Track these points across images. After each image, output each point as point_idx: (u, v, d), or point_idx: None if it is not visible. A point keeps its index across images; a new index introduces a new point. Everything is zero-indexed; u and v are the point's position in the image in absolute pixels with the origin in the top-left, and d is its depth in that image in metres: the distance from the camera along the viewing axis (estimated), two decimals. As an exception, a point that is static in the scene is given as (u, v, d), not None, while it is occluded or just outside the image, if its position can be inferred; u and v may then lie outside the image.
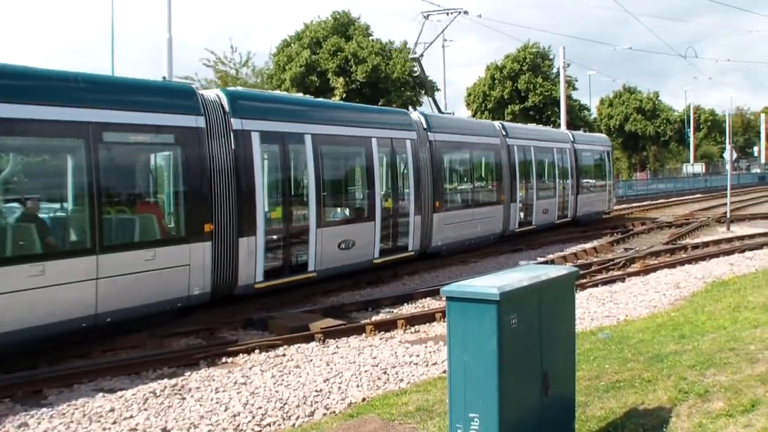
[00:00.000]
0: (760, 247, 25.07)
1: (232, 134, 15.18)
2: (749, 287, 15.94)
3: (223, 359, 12.29)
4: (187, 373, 11.43)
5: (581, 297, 16.87)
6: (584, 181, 34.99)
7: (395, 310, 16.51)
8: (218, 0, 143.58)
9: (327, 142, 17.91)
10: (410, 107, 56.19)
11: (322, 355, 12.22)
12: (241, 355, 12.51)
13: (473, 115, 68.86)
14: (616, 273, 20.67)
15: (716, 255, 23.44)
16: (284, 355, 12.45)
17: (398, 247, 20.60)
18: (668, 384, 8.08)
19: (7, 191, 12.16)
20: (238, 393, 10.11)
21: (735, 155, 44.45)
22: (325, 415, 9.29)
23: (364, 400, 9.74)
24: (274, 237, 16.33)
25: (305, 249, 17.01)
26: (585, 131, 43.29)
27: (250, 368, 11.53)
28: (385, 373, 10.98)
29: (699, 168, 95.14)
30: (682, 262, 22.02)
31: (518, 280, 5.97)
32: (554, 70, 68.48)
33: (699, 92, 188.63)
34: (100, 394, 10.28)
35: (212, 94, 15.65)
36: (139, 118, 13.44)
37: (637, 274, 20.38)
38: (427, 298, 17.25)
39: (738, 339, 9.47)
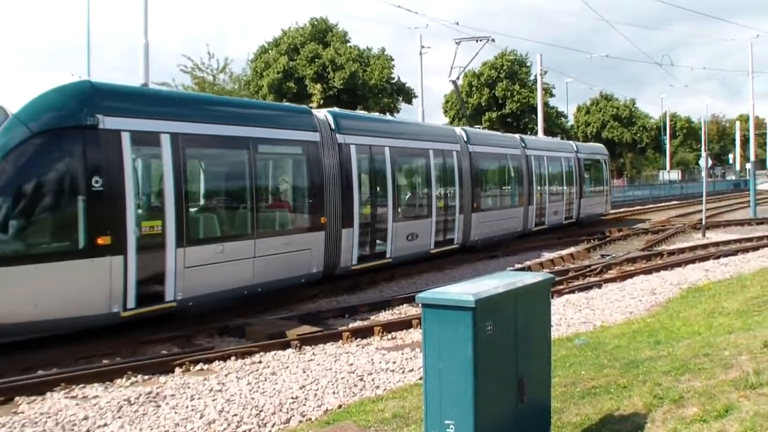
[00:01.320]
0: (734, 253, 25.26)
1: (337, 146, 19.12)
2: (724, 293, 16.03)
3: (199, 366, 12.21)
4: (163, 381, 11.35)
5: (558, 303, 16.91)
6: (586, 186, 39.21)
7: (372, 317, 16.52)
8: (195, 6, 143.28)
9: (400, 153, 22.01)
10: (388, 114, 56.37)
11: (299, 362, 12.18)
12: (217, 362, 12.43)
13: (450, 122, 69.02)
14: (592, 279, 20.78)
15: (692, 261, 23.59)
16: (260, 362, 12.39)
17: (447, 240, 24.59)
18: (643, 390, 8.10)
19: (200, 189, 16.30)
20: (213, 400, 10.04)
21: (710, 162, 45.29)
22: (301, 422, 9.24)
23: (340, 407, 9.70)
24: (364, 229, 20.16)
25: (384, 239, 21.01)
26: (562, 138, 44.20)
27: (226, 375, 11.46)
28: (361, 379, 10.95)
29: (675, 175, 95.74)
30: (658, 269, 22.15)
31: (493, 286, 5.98)
32: (531, 78, 68.83)
33: (675, 100, 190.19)
34: (74, 402, 10.20)
35: (321, 114, 19.53)
36: (279, 133, 17.49)
37: (613, 280, 20.47)
38: (404, 305, 17.26)
39: (712, 345, 9.52)
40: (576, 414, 7.75)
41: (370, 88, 54.06)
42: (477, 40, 35.54)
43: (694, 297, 16.67)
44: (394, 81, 57.23)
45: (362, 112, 29.65)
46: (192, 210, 15.18)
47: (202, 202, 16.19)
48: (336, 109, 20.99)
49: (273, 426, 9.14)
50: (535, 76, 54.52)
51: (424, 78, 45.70)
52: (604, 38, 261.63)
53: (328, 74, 53.21)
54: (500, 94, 68.81)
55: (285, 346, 13.31)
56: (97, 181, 12.78)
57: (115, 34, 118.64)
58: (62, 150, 12.72)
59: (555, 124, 70.99)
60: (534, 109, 56.51)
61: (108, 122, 13.02)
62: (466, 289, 5.81)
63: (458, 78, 34.05)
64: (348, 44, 57.05)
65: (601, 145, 50.43)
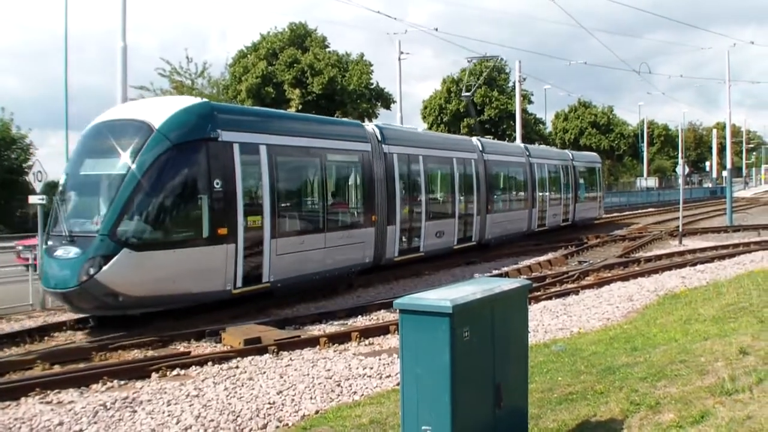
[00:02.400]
0: (711, 260, 25.40)
1: (383, 156, 22.51)
2: (700, 300, 16.12)
3: (176, 371, 12.18)
4: (139, 386, 11.29)
5: (535, 310, 16.95)
6: (581, 192, 42.67)
7: (349, 322, 16.54)
8: (174, 9, 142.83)
9: (430, 161, 25.62)
10: (366, 119, 56.32)
11: (276, 368, 12.14)
12: (193, 367, 12.40)
13: (429, 128, 69.11)
14: (570, 286, 20.82)
15: (668, 268, 23.70)
16: (237, 367, 12.35)
17: (467, 238, 28.16)
18: (620, 396, 8.12)
19: (286, 190, 19.05)
20: (190, 405, 9.99)
21: (687, 170, 45.98)
22: (278, 427, 9.22)
23: (317, 412, 9.68)
24: (404, 227, 23.50)
25: (419, 236, 24.43)
26: (539, 145, 44.75)
27: (202, 380, 11.41)
28: (338, 385, 10.92)
29: (652, 182, 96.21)
30: (635, 275, 22.25)
31: (471, 292, 5.97)
32: (510, 84, 68.97)
33: (653, 107, 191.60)
34: (49, 407, 10.12)
35: (370, 127, 23.15)
36: (343, 145, 21.17)
37: (590, 286, 20.53)
38: (382, 311, 17.28)
39: (689, 351, 9.56)
40: (553, 420, 7.76)
41: (349, 93, 53.96)
42: (487, 60, 41.61)
43: (670, 304, 16.75)
44: (372, 86, 57.17)
45: (398, 125, 32.80)
46: (281, 208, 18.22)
47: (287, 201, 19.12)
48: (381, 123, 25.30)
49: (250, 431, 9.10)
50: (514, 82, 54.65)
51: (403, 83, 45.74)
52: (582, 45, 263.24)
53: (307, 79, 53.08)
54: (479, 100, 68.90)
55: (262, 351, 13.27)
56: (217, 183, 16.11)
57: (93, 36, 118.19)
58: (193, 158, 16.00)
59: (533, 131, 71.16)
60: (512, 116, 56.63)
61: (224, 135, 16.35)
62: (444, 295, 5.81)
63: (472, 94, 40.17)
64: (327, 49, 56.91)
65: (595, 153, 54.39)
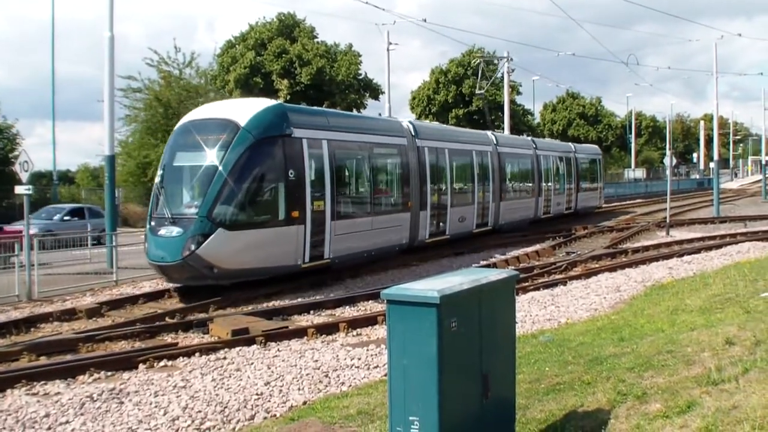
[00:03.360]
0: (698, 251, 25.51)
1: (416, 149, 25.46)
2: (687, 291, 16.16)
3: (163, 362, 12.16)
4: (126, 377, 11.27)
5: (523, 300, 16.98)
6: (582, 182, 45.97)
7: (337, 313, 16.56)
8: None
9: (454, 153, 28.66)
10: (354, 109, 56.23)
11: (263, 358, 12.13)
12: (181, 358, 12.38)
13: (417, 118, 69.05)
14: (557, 276, 20.88)
15: (656, 259, 23.80)
16: (225, 358, 12.33)
17: (484, 223, 31.40)
18: (607, 386, 8.13)
19: (341, 179, 21.88)
20: (177, 397, 9.97)
21: (675, 161, 46.42)
22: (265, 418, 9.21)
23: (305, 403, 9.68)
24: (433, 213, 26.51)
25: (445, 221, 27.62)
26: (528, 135, 45.33)
27: (190, 371, 11.39)
28: (326, 376, 10.92)
29: (640, 173, 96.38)
30: (622, 266, 22.33)
31: (458, 283, 5.95)
32: (498, 75, 68.98)
33: (641, 99, 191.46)
34: (35, 399, 10.09)
35: (405, 123, 26.25)
36: (386, 139, 24.26)
37: (578, 277, 20.58)
38: (370, 301, 17.31)
39: (675, 341, 9.58)
40: (540, 410, 7.77)
41: (338, 83, 53.94)
42: (497, 60, 46.94)
43: (657, 294, 16.80)
44: (361, 77, 57.14)
45: (427, 122, 36.17)
46: (338, 194, 20.97)
47: (343, 188, 21.93)
48: (413, 120, 29.40)
49: (237, 422, 9.10)
50: (502, 73, 54.63)
51: (391, 74, 45.64)
52: (571, 37, 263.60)
53: (295, 70, 53.00)
54: (467, 91, 68.91)
55: (250, 342, 13.26)
56: (291, 173, 18.92)
57: (80, 25, 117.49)
58: (272, 152, 18.78)
59: (521, 122, 71.26)
60: (501, 107, 56.64)
61: (296, 132, 19.27)
62: (431, 286, 5.79)
63: (484, 91, 47.38)
64: (315, 40, 56.85)
65: (596, 146, 57.26)
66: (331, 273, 20.98)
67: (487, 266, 22.22)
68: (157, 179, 19.29)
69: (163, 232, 17.81)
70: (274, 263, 18.70)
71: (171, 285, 18.96)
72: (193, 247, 17.21)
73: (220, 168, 17.76)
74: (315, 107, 27.89)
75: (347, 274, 21.64)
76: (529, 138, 41.90)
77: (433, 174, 26.44)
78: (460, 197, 29.24)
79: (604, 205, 54.18)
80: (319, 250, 19.96)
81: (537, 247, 28.62)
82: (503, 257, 25.24)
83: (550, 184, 40.13)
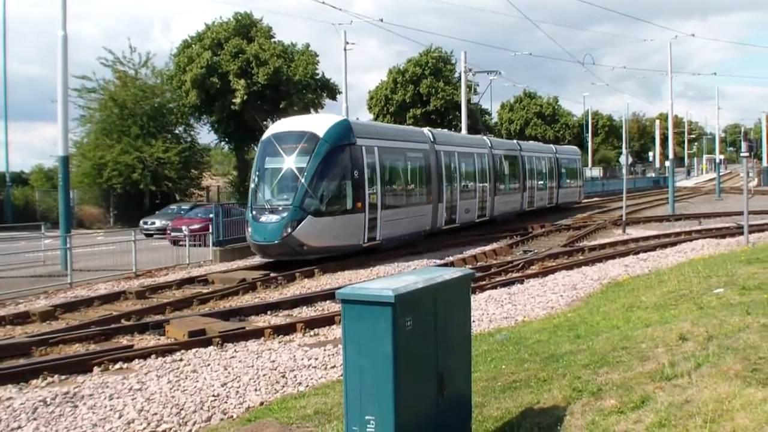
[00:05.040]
0: (653, 248, 25.78)
1: (435, 152, 30.96)
2: (642, 288, 16.30)
3: (118, 365, 12.03)
4: (80, 380, 11.14)
5: (480, 299, 17.04)
6: (563, 180, 51.75)
7: (295, 314, 16.50)
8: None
9: (461, 156, 34.05)
10: (311, 110, 56.01)
11: (220, 360, 12.05)
12: (136, 360, 12.25)
13: (375, 119, 69.07)
14: (515, 275, 20.95)
15: (612, 257, 24.00)
16: (181, 359, 12.23)
17: (483, 215, 36.59)
18: (563, 383, 8.18)
19: (387, 177, 26.89)
20: (133, 399, 9.87)
21: (631, 160, 47.27)
22: (222, 420, 9.14)
23: (262, 404, 9.64)
24: (447, 205, 31.75)
25: (455, 212, 32.87)
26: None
27: (146, 374, 11.28)
28: (283, 376, 10.88)
29: (597, 172, 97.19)
30: (579, 264, 22.48)
31: (413, 282, 5.95)
32: (456, 75, 69.17)
33: (597, 98, 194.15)
34: (-14, 404, 9.91)
35: (426, 131, 32.29)
36: (415, 145, 29.75)
37: (535, 275, 20.69)
38: (327, 301, 17.27)
39: (630, 338, 9.65)
40: (497, 408, 7.80)
41: (294, 83, 53.64)
42: (488, 73, 51.47)
43: (613, 292, 16.94)
44: (318, 77, 56.87)
45: (443, 129, 43.13)
46: (385, 189, 26.25)
47: (388, 184, 26.94)
48: (434, 129, 34.65)
49: (194, 424, 9.02)
50: (460, 73, 54.78)
51: (349, 74, 45.58)
52: (528, 37, 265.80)
53: (252, 70, 52.63)
54: (425, 91, 69.01)
55: (206, 343, 13.17)
56: (355, 173, 24.21)
57: (32, 24, 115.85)
58: (343, 156, 23.93)
59: (479, 121, 71.47)
60: (458, 106, 56.78)
61: (358, 141, 24.52)
62: (386, 285, 5.78)
63: (479, 103, 58.42)
64: (272, 40, 56.51)
65: (576, 147, 63.85)
66: (379, 252, 25.98)
67: (445, 265, 22.24)
68: (253, 179, 24.40)
69: (264, 219, 22.89)
70: (345, 242, 24.10)
71: (127, 287, 19.32)
72: (289, 230, 22.37)
73: (307, 169, 22.93)
74: (366, 121, 35.74)
75: (303, 274, 21.73)
76: (516, 141, 47.64)
77: (447, 173, 31.86)
78: (466, 192, 34.29)
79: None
80: (373, 233, 25.21)
81: (494, 245, 28.78)
82: (461, 256, 25.32)
83: (534, 181, 45.43)
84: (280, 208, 22.80)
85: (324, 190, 23.35)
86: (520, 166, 43.25)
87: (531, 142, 55.19)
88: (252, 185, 24.33)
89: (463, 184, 34.11)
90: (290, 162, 23.36)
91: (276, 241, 22.40)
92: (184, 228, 30.72)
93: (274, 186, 23.85)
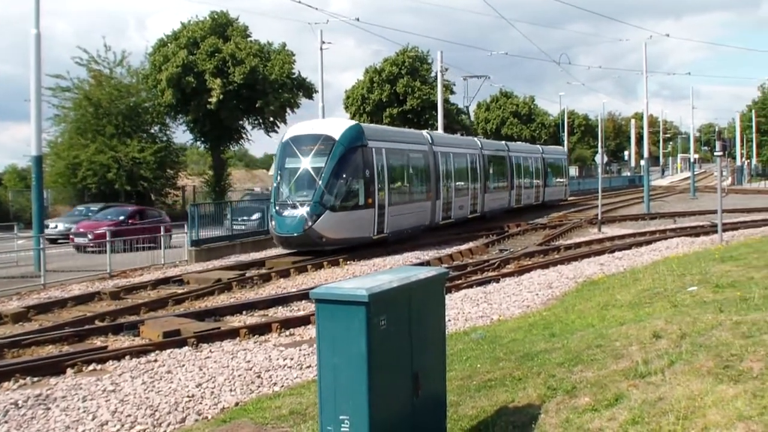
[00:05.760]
0: (628, 247, 25.93)
1: (433, 153, 33.05)
2: (617, 286, 16.38)
3: (92, 366, 11.94)
4: (53, 382, 11.03)
5: (456, 298, 17.06)
6: (549, 179, 54.79)
7: (270, 313, 16.46)
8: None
9: (456, 156, 36.34)
10: (288, 109, 55.83)
11: (195, 360, 12.00)
12: (111, 361, 12.16)
13: (352, 118, 69.03)
14: (490, 274, 20.99)
15: (587, 255, 24.11)
16: (156, 360, 12.17)
17: (475, 210, 38.77)
18: (538, 381, 8.20)
19: (393, 176, 29.02)
20: (106, 401, 9.80)
21: (607, 159, 47.79)
22: (197, 420, 9.10)
23: (237, 404, 9.60)
24: (443, 202, 33.80)
25: (451, 208, 34.86)
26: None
27: (119, 375, 11.21)
28: (258, 377, 10.85)
29: (573, 171, 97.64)
30: (554, 263, 22.56)
31: (388, 281, 5.94)
32: (432, 74, 69.21)
33: (573, 97, 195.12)
34: (-44, 407, 9.80)
35: (425, 133, 35.57)
36: (415, 147, 31.97)
37: (511, 274, 20.74)
38: (303, 301, 17.22)
39: (605, 336, 9.69)
40: (472, 407, 7.81)
41: (271, 83, 53.44)
42: (479, 77, 53.18)
43: (588, 290, 17.01)
44: (294, 76, 56.68)
45: (440, 132, 45.18)
46: (391, 187, 28.44)
47: (394, 183, 29.03)
48: (432, 132, 38.84)
49: (168, 426, 8.98)
50: (436, 72, 54.83)
51: (325, 73, 45.60)
52: (504, 36, 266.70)
53: (228, 69, 52.40)
54: (401, 90, 68.95)
55: (181, 344, 13.11)
56: (367, 172, 26.43)
57: (4, 22, 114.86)
58: (356, 157, 26.16)
59: (455, 121, 71.53)
60: (434, 106, 56.83)
61: (369, 143, 26.83)
62: (360, 284, 5.77)
63: (469, 106, 59.77)
64: (248, 39, 56.28)
65: (562, 147, 69.03)
66: (386, 244, 28.15)
67: (421, 264, 22.26)
68: (275, 177, 26.64)
69: (286, 213, 25.12)
70: (358, 235, 26.37)
71: (101, 288, 19.31)
72: (310, 224, 24.53)
73: (324, 169, 25.17)
74: (374, 125, 37.33)
75: (279, 274, 21.78)
76: (504, 142, 50.39)
77: (444, 172, 34.12)
78: (460, 190, 36.54)
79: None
80: (382, 227, 27.50)
81: (471, 245, 28.85)
82: (437, 255, 25.36)
83: (521, 180, 47.99)
84: (302, 204, 24.95)
85: (340, 188, 25.52)
86: (508, 166, 45.70)
87: (519, 143, 58.95)
88: (274, 183, 26.66)
89: (458, 182, 36.38)
90: (309, 162, 25.55)
91: (298, 234, 24.63)
92: (89, 233, 29.43)
93: (295, 184, 25.89)
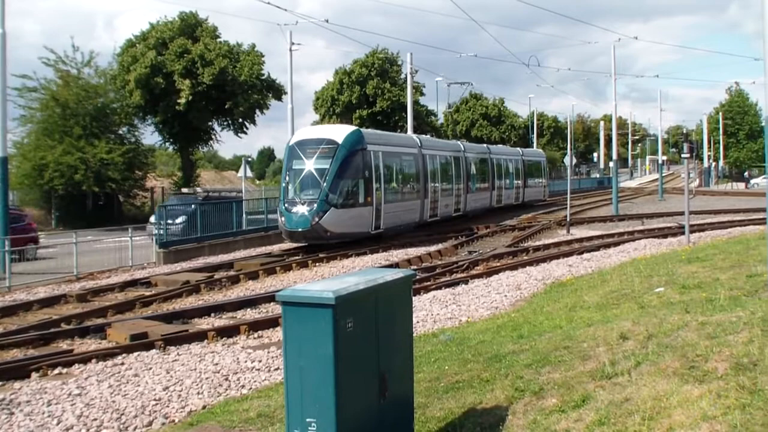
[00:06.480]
0: (597, 248, 26.09)
1: (422, 155, 35.61)
2: (585, 288, 16.48)
3: (57, 370, 11.83)
4: (17, 386, 10.89)
5: (424, 299, 17.07)
6: (529, 180, 57.63)
7: (239, 316, 16.37)
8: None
9: (442, 158, 39.41)
10: (257, 111, 55.62)
11: (162, 363, 11.91)
12: (76, 365, 12.06)
13: (321, 120, 68.93)
14: (459, 275, 21.03)
15: (556, 257, 24.22)
16: (123, 363, 12.08)
17: (458, 209, 41.48)
18: (505, 383, 8.22)
19: (388, 176, 31.88)
20: (72, 405, 9.70)
21: (576, 161, 48.27)
22: (164, 424, 9.05)
23: (204, 407, 9.55)
24: (431, 201, 36.18)
25: (437, 207, 37.37)
26: (432, 137, 46.45)
27: (86, 378, 11.11)
28: (226, 379, 10.80)
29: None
30: (523, 264, 22.63)
31: (354, 283, 5.92)
32: (402, 76, 69.26)
33: (543, 99, 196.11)
34: None
35: (415, 136, 37.94)
36: (407, 150, 34.62)
37: (480, 276, 20.77)
38: (271, 303, 17.16)
39: (572, 337, 9.74)
40: (440, 408, 7.81)
41: (240, 84, 53.23)
42: (461, 84, 60.18)
43: (557, 292, 17.09)
44: (264, 77, 56.47)
45: (426, 136, 44.76)
46: (386, 187, 30.85)
47: (388, 183, 31.59)
48: (422, 136, 40.29)
49: (135, 429, 8.93)
50: (406, 74, 54.88)
51: (295, 75, 45.49)
52: (473, 38, 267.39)
53: (197, 70, 52.12)
54: (371, 92, 68.92)
55: (148, 346, 13.01)
56: (366, 172, 28.82)
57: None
58: (357, 159, 28.56)
59: (425, 123, 71.63)
60: (404, 108, 56.82)
61: (368, 147, 29.28)
62: (327, 287, 5.75)
63: (450, 110, 66.96)
64: (218, 40, 56.01)
65: (541, 150, 72.07)
66: (381, 239, 30.53)
67: (390, 266, 22.28)
68: (283, 178, 29.07)
69: (295, 210, 27.25)
70: (358, 230, 28.85)
71: (67, 290, 19.24)
72: (317, 219, 26.76)
73: (329, 170, 27.49)
74: (372, 130, 38.58)
75: (248, 276, 21.70)
76: (485, 145, 52.85)
77: (431, 173, 36.65)
78: (445, 190, 39.02)
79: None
80: (378, 223, 29.90)
81: (440, 246, 28.92)
82: (406, 257, 25.36)
83: (502, 181, 50.57)
84: (309, 202, 27.12)
85: (343, 187, 27.89)
86: (490, 168, 48.32)
87: (500, 146, 61.68)
88: (283, 183, 29.01)
89: (443, 183, 38.96)
90: (315, 164, 27.87)
91: (306, 229, 26.86)
92: None
93: (302, 183, 28.14)
